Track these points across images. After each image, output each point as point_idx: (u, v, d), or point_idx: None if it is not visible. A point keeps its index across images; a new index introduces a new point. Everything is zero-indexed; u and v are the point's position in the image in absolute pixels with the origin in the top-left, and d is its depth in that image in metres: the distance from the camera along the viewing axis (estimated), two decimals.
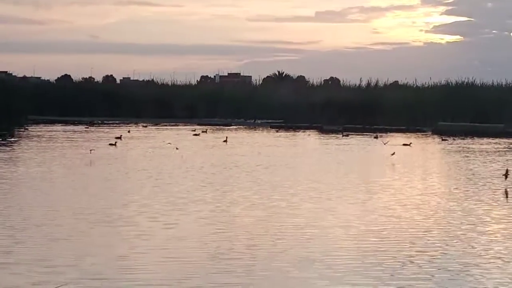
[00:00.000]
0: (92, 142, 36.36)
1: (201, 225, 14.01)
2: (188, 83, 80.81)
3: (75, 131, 47.61)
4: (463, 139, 44.52)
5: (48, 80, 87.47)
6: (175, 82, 79.05)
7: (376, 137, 44.39)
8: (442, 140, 42.83)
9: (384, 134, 48.13)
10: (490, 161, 28.96)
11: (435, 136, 47.98)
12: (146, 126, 54.56)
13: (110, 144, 34.05)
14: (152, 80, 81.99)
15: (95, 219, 14.39)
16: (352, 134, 47.41)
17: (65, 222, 14.06)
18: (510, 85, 63.45)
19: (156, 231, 13.31)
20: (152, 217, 14.71)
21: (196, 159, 28.25)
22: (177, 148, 31.41)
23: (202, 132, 47.10)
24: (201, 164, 26.15)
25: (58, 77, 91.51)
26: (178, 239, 12.60)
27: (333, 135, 47.03)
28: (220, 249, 11.76)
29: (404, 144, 37.29)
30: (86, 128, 50.99)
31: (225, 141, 38.13)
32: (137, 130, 49.41)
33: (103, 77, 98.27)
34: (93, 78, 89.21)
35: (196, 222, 14.27)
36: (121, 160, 27.66)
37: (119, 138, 38.14)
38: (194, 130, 47.80)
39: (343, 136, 45.77)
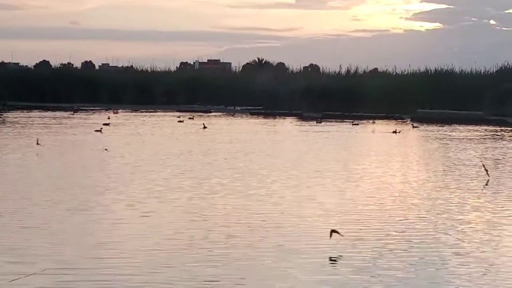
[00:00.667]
0: (77, 129, 36.04)
1: (178, 213, 13.82)
2: (167, 69, 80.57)
3: (56, 117, 47.18)
4: (442, 126, 44.58)
5: (26, 66, 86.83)
6: (154, 69, 78.77)
7: (356, 124, 44.34)
8: (413, 127, 42.39)
9: (364, 121, 48.14)
10: (468, 149, 28.98)
11: (414, 123, 48.06)
12: (117, 112, 53.95)
13: (96, 131, 33.91)
14: (132, 66, 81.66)
15: (71, 207, 14.15)
16: (329, 121, 47.29)
17: (39, 210, 13.83)
18: (489, 72, 63.68)
19: (132, 219, 13.11)
20: (129, 205, 14.49)
21: (175, 145, 28.04)
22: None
23: (189, 118, 46.90)
24: (179, 151, 25.94)
25: (36, 63, 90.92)
26: (154, 227, 12.41)
27: (313, 122, 46.93)
28: (197, 238, 11.59)
29: (394, 132, 37.43)
30: (71, 114, 50.64)
31: (204, 127, 37.92)
32: (116, 117, 49.02)
33: (82, 63, 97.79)
34: (72, 64, 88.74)
35: (173, 211, 14.08)
36: (101, 146, 27.38)
37: (107, 124, 38.07)
38: (179, 117, 47.49)
39: (317, 123, 45.59)
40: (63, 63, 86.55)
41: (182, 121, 44.27)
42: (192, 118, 47.23)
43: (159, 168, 20.79)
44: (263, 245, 11.23)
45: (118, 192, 16.09)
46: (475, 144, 31.81)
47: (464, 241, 11.76)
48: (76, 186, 16.96)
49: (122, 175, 19.06)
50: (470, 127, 43.69)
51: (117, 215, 13.48)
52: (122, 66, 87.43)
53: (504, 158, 25.90)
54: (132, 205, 14.49)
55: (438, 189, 17.43)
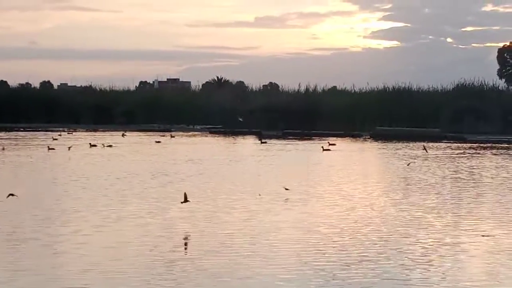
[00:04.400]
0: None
1: (130, 240, 13.46)
2: (127, 88, 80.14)
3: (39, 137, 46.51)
4: (399, 143, 44.76)
5: None
6: (113, 88, 78.30)
7: (264, 142, 42.54)
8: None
9: (325, 139, 48.17)
10: (424, 166, 29.04)
11: (373, 141, 48.24)
12: (70, 133, 53.17)
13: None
14: (91, 86, 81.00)
15: (7, 235, 13.70)
16: (270, 140, 46.62)
17: None
18: (446, 90, 64.31)
19: (78, 250, 12.72)
20: (74, 232, 14.09)
21: (130, 166, 27.66)
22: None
23: (171, 137, 47.62)
24: (133, 172, 25.56)
25: None
26: (106, 258, 12.02)
27: (272, 141, 46.78)
28: (155, 268, 11.26)
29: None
30: (58, 136, 49.97)
31: (158, 142, 37.51)
32: (73, 137, 48.41)
33: (41, 83, 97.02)
34: (30, 84, 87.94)
35: (127, 240, 13.70)
36: (53, 168, 26.92)
37: (95, 145, 37.78)
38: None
39: (261, 143, 44.39)
40: (22, 83, 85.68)
41: (159, 142, 43.19)
42: (174, 137, 47.83)
43: (107, 191, 20.38)
44: (220, 271, 10.94)
45: (64, 220, 15.68)
46: (434, 161, 31.93)
47: (417, 257, 11.63)
48: (18, 212, 16.44)
49: (70, 199, 18.60)
50: (429, 144, 43.92)
51: (60, 245, 13.05)
52: (81, 86, 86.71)
53: (465, 175, 26.01)
54: (77, 232, 14.07)
55: (392, 206, 17.30)
